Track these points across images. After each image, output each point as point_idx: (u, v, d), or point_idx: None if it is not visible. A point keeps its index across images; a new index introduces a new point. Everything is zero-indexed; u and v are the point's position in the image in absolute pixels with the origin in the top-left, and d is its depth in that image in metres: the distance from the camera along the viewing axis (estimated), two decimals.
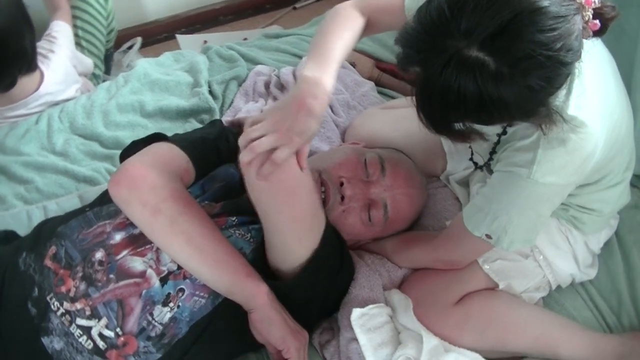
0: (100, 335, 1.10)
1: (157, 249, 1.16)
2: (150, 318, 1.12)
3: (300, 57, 1.95)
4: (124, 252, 1.16)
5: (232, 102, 1.80)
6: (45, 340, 1.11)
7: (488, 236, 1.18)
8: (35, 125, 1.70)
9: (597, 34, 0.94)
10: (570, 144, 1.03)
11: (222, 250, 1.13)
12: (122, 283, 1.13)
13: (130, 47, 2.42)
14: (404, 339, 1.24)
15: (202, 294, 1.15)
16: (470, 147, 1.36)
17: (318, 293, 1.23)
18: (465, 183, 1.52)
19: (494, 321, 1.27)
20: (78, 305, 1.12)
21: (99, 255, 1.15)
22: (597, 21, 0.92)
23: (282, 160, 0.99)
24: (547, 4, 0.85)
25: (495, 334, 1.27)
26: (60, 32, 1.81)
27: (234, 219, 1.24)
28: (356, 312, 1.22)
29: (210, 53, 1.96)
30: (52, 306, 1.12)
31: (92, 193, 1.54)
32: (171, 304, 1.13)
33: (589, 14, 0.90)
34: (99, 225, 1.20)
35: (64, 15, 1.86)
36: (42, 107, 1.75)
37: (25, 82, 1.68)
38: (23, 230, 1.41)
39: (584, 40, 0.91)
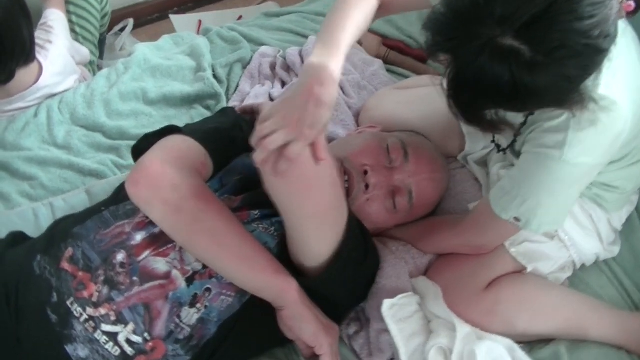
0: (128, 341, 1.07)
1: (180, 248, 1.12)
2: (177, 321, 1.08)
3: (304, 36, 1.89)
4: (146, 253, 1.11)
5: (237, 86, 1.74)
6: (69, 348, 1.06)
7: (516, 219, 1.15)
8: (34, 119, 1.63)
9: (630, 14, 0.91)
10: (600, 125, 1.01)
11: (248, 246, 1.09)
12: (147, 286, 1.09)
13: (122, 30, 2.34)
14: (435, 328, 1.22)
15: (229, 292, 1.12)
16: None
17: (346, 287, 1.20)
18: (483, 163, 1.50)
19: (524, 305, 1.26)
20: (102, 311, 1.07)
21: (120, 257, 1.11)
22: (631, 2, 0.89)
23: (296, 155, 0.92)
24: None
25: (527, 318, 1.25)
26: (57, 22, 1.74)
27: (256, 212, 1.20)
28: (387, 304, 1.19)
29: (211, 35, 1.89)
30: (75, 312, 1.08)
31: (99, 187, 1.49)
32: (198, 305, 1.10)
33: None
34: (117, 225, 1.15)
35: (57, 3, 1.79)
36: (41, 99, 1.68)
37: (23, 75, 1.61)
38: (30, 230, 1.36)
39: None
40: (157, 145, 1.15)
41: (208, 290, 1.11)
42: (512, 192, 1.14)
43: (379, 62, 1.79)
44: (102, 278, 1.10)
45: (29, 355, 1.08)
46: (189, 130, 1.23)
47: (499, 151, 1.34)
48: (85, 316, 1.07)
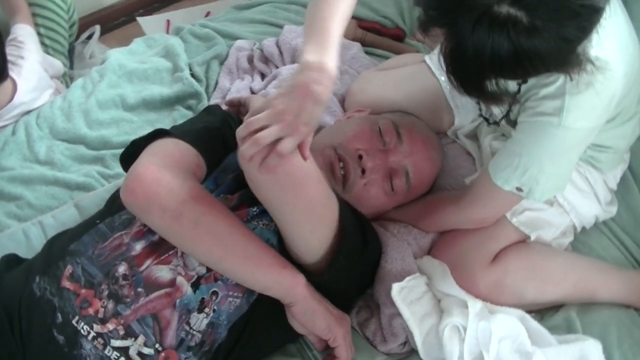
0: (140, 354, 1.04)
1: (182, 253, 1.09)
2: (187, 328, 1.06)
3: (279, 26, 1.85)
4: (148, 262, 1.09)
5: (217, 83, 1.71)
6: None
7: (519, 189, 1.15)
8: (12, 137, 1.59)
9: None
10: (597, 86, 1.01)
11: (253, 245, 1.07)
12: (152, 296, 1.06)
13: (89, 37, 2.29)
14: (446, 307, 1.21)
15: (236, 294, 1.10)
16: (478, 102, 1.32)
17: (352, 278, 1.18)
18: (473, 136, 1.49)
19: (532, 274, 1.25)
20: (110, 326, 1.05)
21: (122, 269, 1.08)
22: None
23: (288, 151, 0.91)
24: None
25: (535, 286, 1.25)
26: (27, 36, 1.69)
27: (254, 209, 1.18)
28: (396, 287, 1.18)
29: (184, 33, 1.86)
30: (82, 331, 1.05)
31: (88, 200, 1.46)
32: (207, 310, 1.07)
33: None
34: (115, 237, 1.12)
35: (25, 18, 1.74)
36: (17, 117, 1.64)
37: None
38: (22, 251, 1.32)
39: None
40: (147, 151, 1.12)
41: (215, 293, 1.08)
42: (513, 163, 1.13)
43: (357, 45, 1.77)
44: (106, 293, 1.07)
45: None
46: (177, 132, 1.19)
47: (489, 124, 1.33)
48: (93, 333, 1.05)
